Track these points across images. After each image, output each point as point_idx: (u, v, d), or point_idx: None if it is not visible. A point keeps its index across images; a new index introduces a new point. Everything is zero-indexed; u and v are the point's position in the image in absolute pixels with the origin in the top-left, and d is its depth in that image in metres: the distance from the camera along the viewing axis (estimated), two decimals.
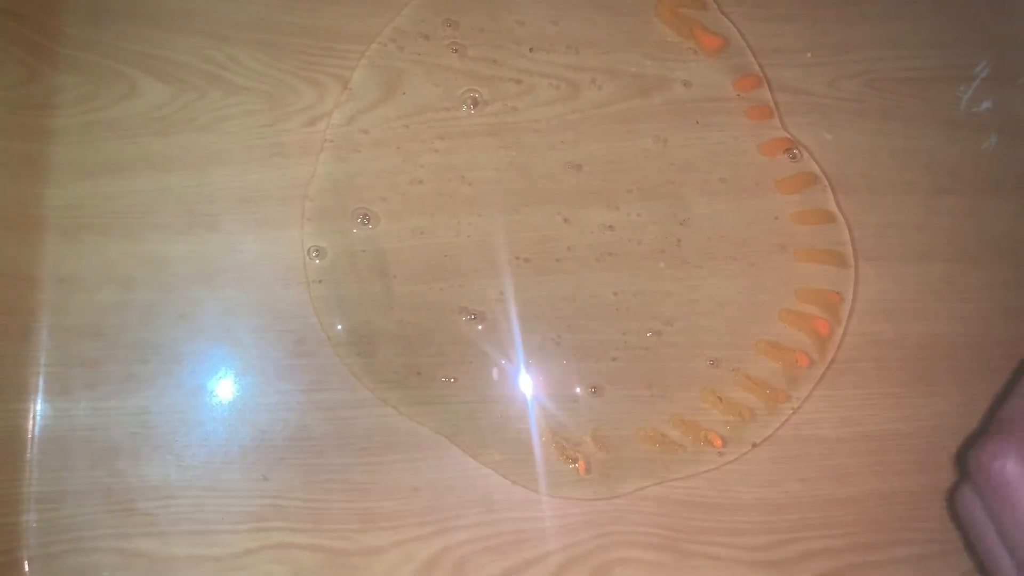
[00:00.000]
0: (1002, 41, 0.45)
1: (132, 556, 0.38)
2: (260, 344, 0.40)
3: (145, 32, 0.41)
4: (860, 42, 0.44)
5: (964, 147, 0.44)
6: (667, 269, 0.42)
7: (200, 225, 0.40)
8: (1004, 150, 0.44)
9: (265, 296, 0.40)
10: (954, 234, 0.43)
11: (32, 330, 0.39)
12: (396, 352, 0.40)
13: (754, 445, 0.41)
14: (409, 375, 0.40)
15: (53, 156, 0.40)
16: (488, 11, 0.43)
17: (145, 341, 0.39)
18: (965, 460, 0.35)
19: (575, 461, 0.40)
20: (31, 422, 0.38)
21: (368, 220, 0.41)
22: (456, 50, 0.42)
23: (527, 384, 0.40)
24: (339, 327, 0.40)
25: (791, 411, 0.41)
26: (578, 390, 0.40)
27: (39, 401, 0.38)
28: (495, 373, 0.40)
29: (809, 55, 0.44)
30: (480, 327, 0.40)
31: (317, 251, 0.40)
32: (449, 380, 0.40)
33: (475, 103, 0.42)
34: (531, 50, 0.43)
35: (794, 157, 0.43)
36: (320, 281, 0.40)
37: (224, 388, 0.39)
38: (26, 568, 0.37)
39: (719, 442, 0.40)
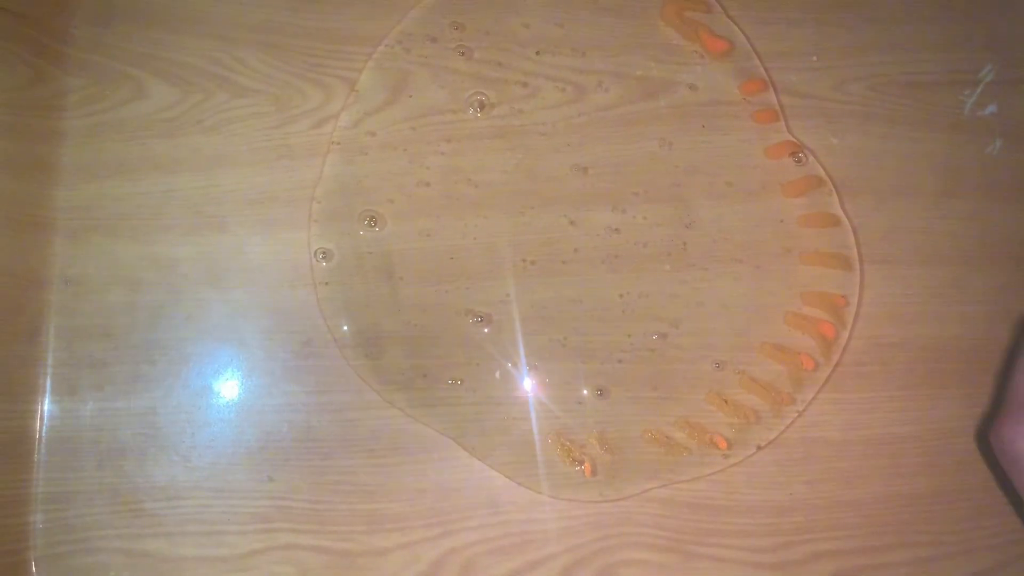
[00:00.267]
0: (1007, 45, 0.45)
1: (139, 556, 0.38)
2: (267, 345, 0.40)
3: (152, 34, 0.41)
4: (866, 46, 0.44)
5: (969, 151, 0.44)
6: (673, 272, 0.42)
7: (207, 227, 0.40)
8: (1009, 154, 0.44)
9: (272, 298, 0.40)
10: (959, 238, 0.43)
11: (40, 331, 0.39)
12: (403, 354, 0.40)
13: (759, 447, 0.41)
14: (415, 377, 0.40)
15: (61, 158, 0.40)
16: (495, 14, 0.43)
17: (152, 342, 0.39)
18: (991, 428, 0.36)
19: (581, 463, 0.40)
20: (39, 423, 0.38)
21: (375, 222, 0.41)
22: (463, 52, 0.42)
23: (533, 386, 0.40)
24: (346, 329, 0.40)
25: (796, 414, 0.41)
26: (584, 392, 0.41)
27: (47, 402, 0.39)
28: (501, 375, 0.40)
29: (815, 59, 0.44)
30: (486, 329, 0.41)
31: (324, 253, 0.40)
32: (455, 382, 0.40)
33: (481, 105, 0.42)
34: (537, 53, 0.43)
35: (799, 161, 0.43)
36: (327, 283, 0.40)
37: (231, 389, 0.39)
38: (33, 568, 0.38)
39: (724, 444, 0.40)
